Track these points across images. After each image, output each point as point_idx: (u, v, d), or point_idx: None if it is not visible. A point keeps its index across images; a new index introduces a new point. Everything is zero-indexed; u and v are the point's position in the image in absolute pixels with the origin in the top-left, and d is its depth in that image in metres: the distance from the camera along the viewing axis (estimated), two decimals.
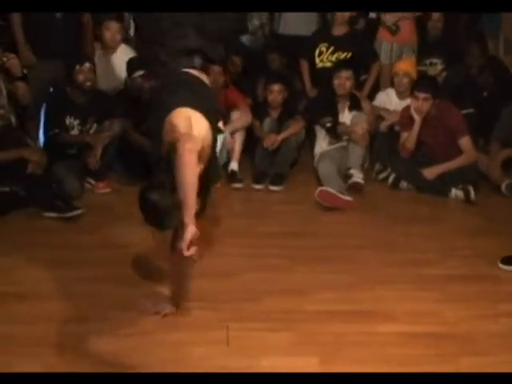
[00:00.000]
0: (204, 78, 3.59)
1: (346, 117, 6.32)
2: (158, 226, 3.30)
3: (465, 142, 5.90)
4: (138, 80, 6.06)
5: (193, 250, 3.15)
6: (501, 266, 4.49)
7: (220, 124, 3.45)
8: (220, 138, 3.39)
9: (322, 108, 6.39)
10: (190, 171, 3.09)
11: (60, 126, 5.79)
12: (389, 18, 6.94)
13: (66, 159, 5.73)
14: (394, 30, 7.00)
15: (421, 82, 6.12)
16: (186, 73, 3.60)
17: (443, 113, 5.93)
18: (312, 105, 6.66)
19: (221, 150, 5.17)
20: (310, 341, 3.56)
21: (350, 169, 6.01)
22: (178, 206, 3.14)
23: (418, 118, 5.93)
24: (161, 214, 3.20)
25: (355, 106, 6.36)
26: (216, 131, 3.39)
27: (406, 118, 6.10)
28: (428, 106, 5.88)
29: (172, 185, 3.18)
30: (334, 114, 6.31)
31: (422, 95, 5.87)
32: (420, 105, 5.89)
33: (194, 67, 3.65)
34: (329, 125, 6.27)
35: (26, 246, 4.63)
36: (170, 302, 3.82)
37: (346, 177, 5.93)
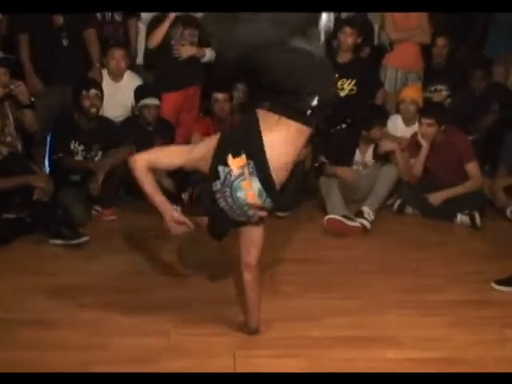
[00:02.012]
0: (266, 118, 3.43)
1: (368, 158, 6.22)
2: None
3: (472, 167, 5.90)
4: (147, 108, 6.11)
5: (178, 229, 3.52)
6: (494, 286, 4.51)
7: (230, 159, 3.37)
8: (223, 170, 3.38)
9: (337, 148, 6.30)
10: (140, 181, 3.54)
11: (64, 150, 5.79)
12: (390, 34, 7.00)
13: (71, 186, 5.74)
14: (387, 49, 7.06)
15: (426, 108, 6.15)
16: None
17: (450, 138, 5.94)
18: (327, 143, 6.52)
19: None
20: (320, 366, 3.53)
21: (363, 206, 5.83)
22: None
23: (425, 144, 5.94)
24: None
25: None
26: (220, 162, 3.40)
27: (413, 144, 6.10)
28: (433, 132, 5.89)
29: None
30: (349, 155, 6.21)
31: (427, 121, 5.88)
32: (425, 130, 5.91)
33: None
34: (315, 165, 6.21)
35: (32, 273, 4.63)
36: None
37: (357, 212, 5.77)
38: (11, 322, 3.94)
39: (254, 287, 3.79)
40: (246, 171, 3.38)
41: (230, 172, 3.37)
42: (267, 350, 3.70)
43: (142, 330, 3.87)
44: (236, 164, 3.37)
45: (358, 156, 6.22)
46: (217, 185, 3.39)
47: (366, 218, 5.67)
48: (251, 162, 3.38)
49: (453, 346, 3.78)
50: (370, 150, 6.21)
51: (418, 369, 3.51)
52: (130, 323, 3.94)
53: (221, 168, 3.38)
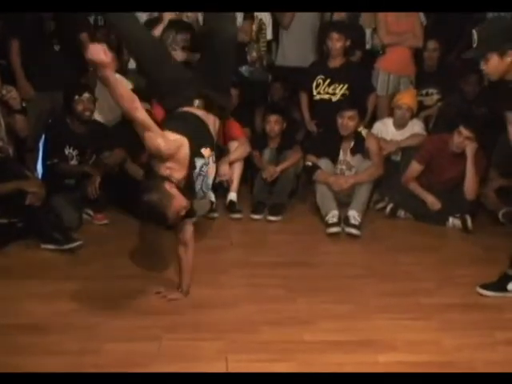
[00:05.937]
0: (200, 113, 4.21)
1: (349, 157, 6.19)
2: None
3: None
4: None
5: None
6: (479, 290, 4.51)
7: (204, 151, 3.99)
8: (199, 162, 3.98)
9: (323, 145, 6.28)
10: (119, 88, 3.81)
11: (59, 156, 5.79)
12: (382, 37, 7.01)
13: (64, 191, 5.74)
14: (379, 53, 7.07)
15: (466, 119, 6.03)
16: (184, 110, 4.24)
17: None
18: (314, 140, 6.60)
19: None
20: (310, 371, 3.53)
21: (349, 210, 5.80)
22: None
23: (470, 153, 5.88)
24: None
25: (359, 146, 6.17)
26: (196, 155, 3.93)
27: (430, 149, 6.07)
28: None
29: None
30: (334, 153, 6.18)
31: (466, 132, 5.82)
32: (461, 141, 5.85)
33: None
34: (309, 164, 6.18)
35: (24, 278, 4.63)
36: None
37: (344, 219, 5.75)
38: (2, 327, 3.93)
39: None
40: (211, 160, 4.08)
41: (204, 162, 4.01)
42: (259, 354, 3.70)
43: (134, 335, 3.86)
44: (204, 151, 4.01)
45: (341, 154, 6.21)
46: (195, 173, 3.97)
47: (353, 225, 5.64)
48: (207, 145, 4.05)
49: (444, 350, 3.79)
50: (350, 148, 6.18)
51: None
52: (122, 328, 3.94)
53: (199, 160, 3.97)
